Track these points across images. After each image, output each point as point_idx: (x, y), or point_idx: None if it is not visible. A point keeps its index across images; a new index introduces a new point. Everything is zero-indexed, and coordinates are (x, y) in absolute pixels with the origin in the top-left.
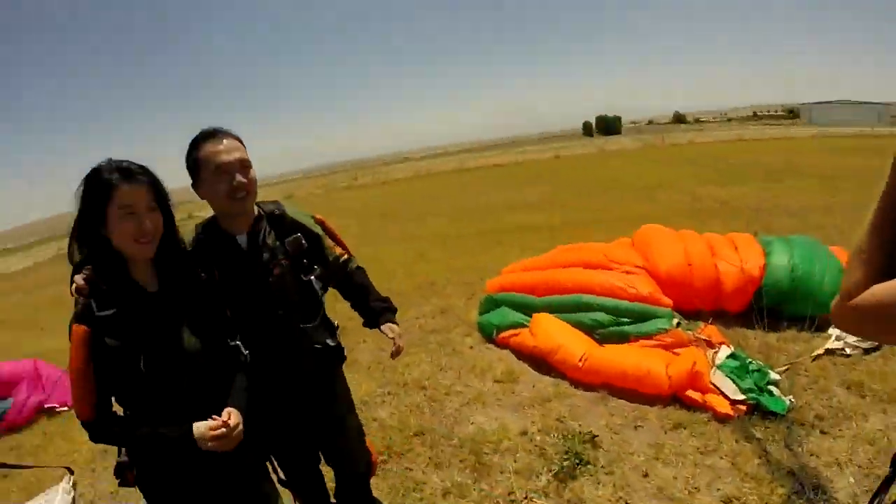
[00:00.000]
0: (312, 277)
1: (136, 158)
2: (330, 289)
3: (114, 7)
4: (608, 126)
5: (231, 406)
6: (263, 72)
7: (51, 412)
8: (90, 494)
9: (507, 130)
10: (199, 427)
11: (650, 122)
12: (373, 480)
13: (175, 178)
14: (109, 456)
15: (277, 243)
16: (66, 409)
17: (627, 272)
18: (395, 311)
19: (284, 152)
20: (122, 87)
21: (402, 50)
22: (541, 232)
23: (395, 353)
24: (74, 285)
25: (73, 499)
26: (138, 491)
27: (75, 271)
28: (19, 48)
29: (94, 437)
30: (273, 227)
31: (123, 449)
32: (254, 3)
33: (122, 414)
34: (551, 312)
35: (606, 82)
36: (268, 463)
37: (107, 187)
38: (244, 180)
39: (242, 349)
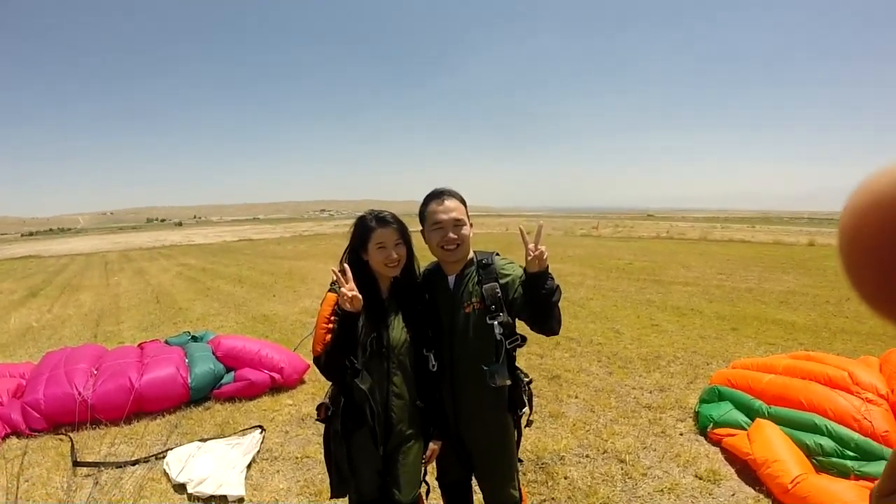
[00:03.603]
0: (495, 322)
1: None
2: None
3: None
4: None
5: None
6: (531, 106)
7: (259, 389)
8: (277, 450)
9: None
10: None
11: None
12: None
13: None
14: (302, 427)
15: (476, 288)
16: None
17: (868, 400)
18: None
19: (538, 186)
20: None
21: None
22: (782, 328)
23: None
24: (337, 275)
25: (259, 447)
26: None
27: (341, 269)
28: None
29: (321, 367)
30: (479, 273)
31: (328, 393)
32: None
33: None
34: (777, 423)
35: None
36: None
37: (368, 230)
38: (454, 237)
39: (432, 360)
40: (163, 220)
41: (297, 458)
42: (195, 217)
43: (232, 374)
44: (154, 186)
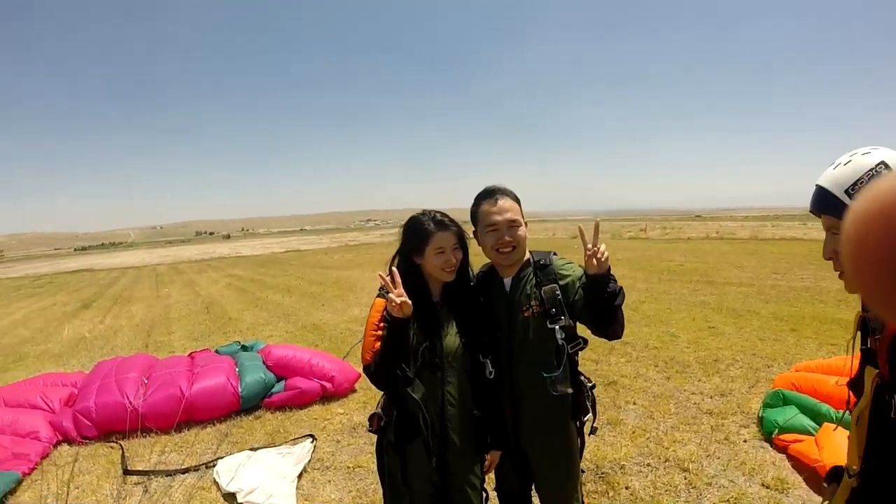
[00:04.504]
0: (556, 327)
1: None
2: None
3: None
4: None
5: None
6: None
7: (310, 398)
8: (328, 460)
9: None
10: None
11: None
12: None
13: None
14: (354, 436)
15: (535, 291)
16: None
17: None
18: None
19: (580, 190)
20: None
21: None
22: (843, 328)
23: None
24: (385, 280)
25: (311, 456)
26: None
27: (389, 273)
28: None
29: (370, 376)
30: (537, 275)
31: (380, 403)
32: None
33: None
34: (846, 429)
35: None
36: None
37: (427, 234)
38: (509, 239)
39: (489, 367)
40: (211, 233)
41: (349, 467)
42: (243, 229)
43: (282, 383)
44: (202, 200)
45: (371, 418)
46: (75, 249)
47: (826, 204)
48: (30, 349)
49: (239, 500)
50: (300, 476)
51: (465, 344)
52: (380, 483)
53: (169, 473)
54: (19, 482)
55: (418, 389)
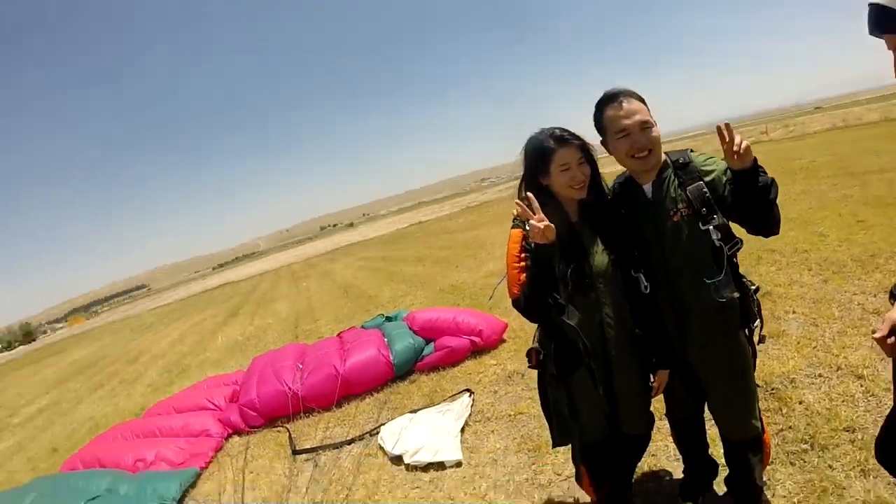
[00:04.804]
0: (710, 227)
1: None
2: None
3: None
4: None
5: None
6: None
7: (461, 355)
8: (489, 411)
9: None
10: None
11: None
12: (788, 469)
13: None
14: (510, 384)
15: (680, 192)
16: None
17: None
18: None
19: (692, 101)
20: None
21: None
22: None
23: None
24: (515, 210)
25: (470, 410)
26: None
27: (524, 199)
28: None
29: (521, 310)
30: (678, 176)
31: (536, 336)
32: None
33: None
34: None
35: None
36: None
37: (548, 152)
38: (644, 142)
39: (643, 280)
40: (334, 225)
41: (509, 415)
42: (364, 215)
43: (431, 344)
44: (320, 196)
45: (529, 353)
46: (213, 268)
47: (891, 20)
48: (190, 361)
49: (406, 461)
50: (463, 430)
51: (615, 261)
52: (545, 423)
53: (336, 446)
54: (198, 476)
55: (573, 315)
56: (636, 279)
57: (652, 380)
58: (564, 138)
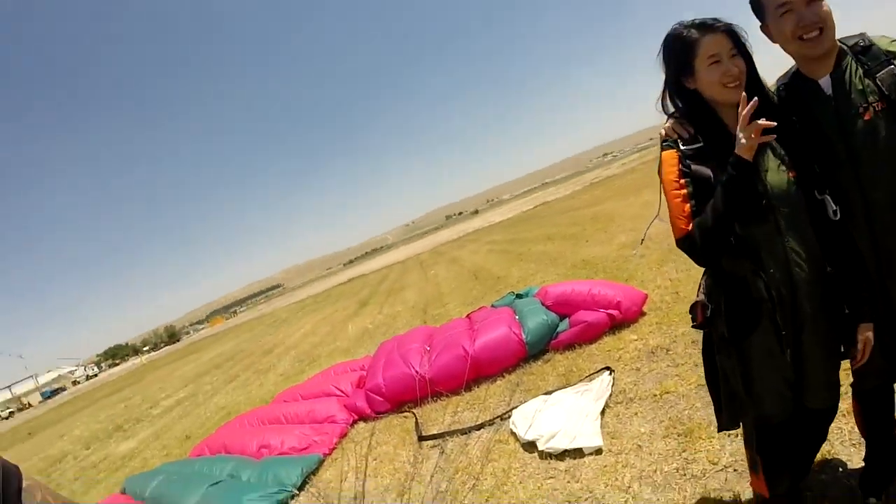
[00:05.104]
0: None
1: None
2: None
3: None
4: None
5: None
6: None
7: (598, 331)
8: (631, 391)
9: None
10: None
11: None
12: None
13: None
14: (654, 360)
15: (868, 82)
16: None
17: None
18: None
19: None
20: None
21: None
22: None
23: None
24: (663, 130)
25: (611, 390)
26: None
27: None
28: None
29: (693, 248)
30: (861, 63)
31: (702, 287)
32: None
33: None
34: None
35: None
36: None
37: (691, 44)
38: (813, 18)
39: (831, 203)
40: (460, 214)
41: (655, 395)
42: (488, 201)
43: (566, 320)
44: (443, 186)
45: (693, 308)
46: (344, 264)
47: None
48: (321, 350)
49: (540, 448)
50: (602, 413)
51: (795, 180)
52: (696, 404)
53: (464, 432)
54: (321, 463)
55: (751, 252)
56: (822, 202)
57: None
58: (709, 24)
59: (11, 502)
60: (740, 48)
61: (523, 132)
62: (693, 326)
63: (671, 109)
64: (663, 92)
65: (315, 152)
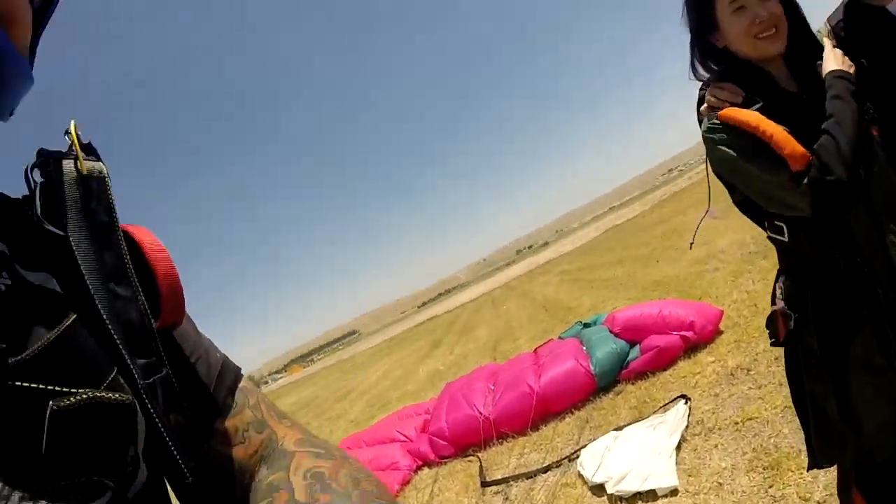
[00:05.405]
0: None
1: None
2: None
3: None
4: None
5: None
6: None
7: (671, 355)
8: (710, 420)
9: None
10: None
11: None
12: None
13: None
14: (734, 383)
15: None
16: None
17: None
18: None
19: None
20: None
21: None
22: None
23: None
24: (705, 105)
25: (687, 421)
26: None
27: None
28: None
29: (819, 184)
30: None
31: (776, 294)
32: None
33: None
34: None
35: None
36: None
37: None
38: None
39: None
40: (530, 247)
41: (736, 423)
42: (557, 231)
43: (637, 347)
44: (512, 218)
45: (772, 320)
46: (418, 307)
47: None
48: (391, 394)
49: (609, 491)
50: (679, 447)
51: (880, 141)
52: (784, 430)
53: (529, 476)
54: None
55: (845, 236)
56: None
57: None
58: None
59: (222, 395)
60: None
61: (587, 157)
62: (773, 344)
63: (705, 76)
64: (692, 57)
65: (381, 197)
